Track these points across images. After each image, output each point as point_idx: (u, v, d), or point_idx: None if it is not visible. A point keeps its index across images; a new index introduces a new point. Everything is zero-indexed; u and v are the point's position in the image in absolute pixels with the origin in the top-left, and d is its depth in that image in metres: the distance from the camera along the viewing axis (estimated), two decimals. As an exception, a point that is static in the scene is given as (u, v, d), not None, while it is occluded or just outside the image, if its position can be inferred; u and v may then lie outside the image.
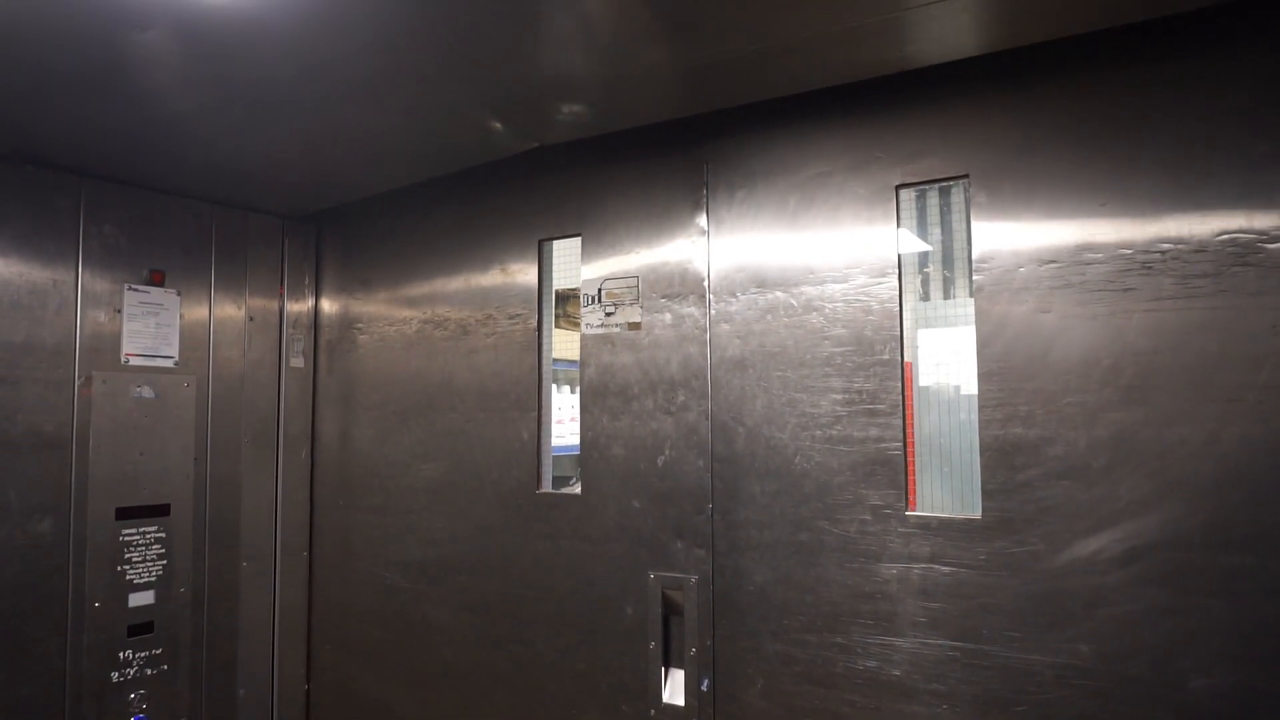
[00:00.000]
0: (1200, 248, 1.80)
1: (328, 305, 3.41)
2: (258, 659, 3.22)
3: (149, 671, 2.89)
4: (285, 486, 3.31)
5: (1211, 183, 1.79)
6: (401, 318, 3.14)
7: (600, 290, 2.63)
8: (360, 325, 3.28)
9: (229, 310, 3.17)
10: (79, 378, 2.74)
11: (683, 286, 2.50)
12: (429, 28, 1.87)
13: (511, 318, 2.84)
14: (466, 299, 2.96)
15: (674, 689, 2.43)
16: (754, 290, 2.37)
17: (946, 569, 2.04)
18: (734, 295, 2.40)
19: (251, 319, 3.23)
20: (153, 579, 2.90)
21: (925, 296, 2.28)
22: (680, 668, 2.43)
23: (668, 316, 2.51)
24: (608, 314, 2.61)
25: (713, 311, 2.44)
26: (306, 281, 3.42)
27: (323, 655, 3.31)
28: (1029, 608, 1.93)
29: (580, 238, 2.70)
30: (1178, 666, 1.77)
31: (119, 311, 2.85)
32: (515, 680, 2.74)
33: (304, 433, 3.38)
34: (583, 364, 2.66)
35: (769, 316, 2.34)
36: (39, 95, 2.18)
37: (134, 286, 2.89)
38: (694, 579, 2.39)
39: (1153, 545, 1.81)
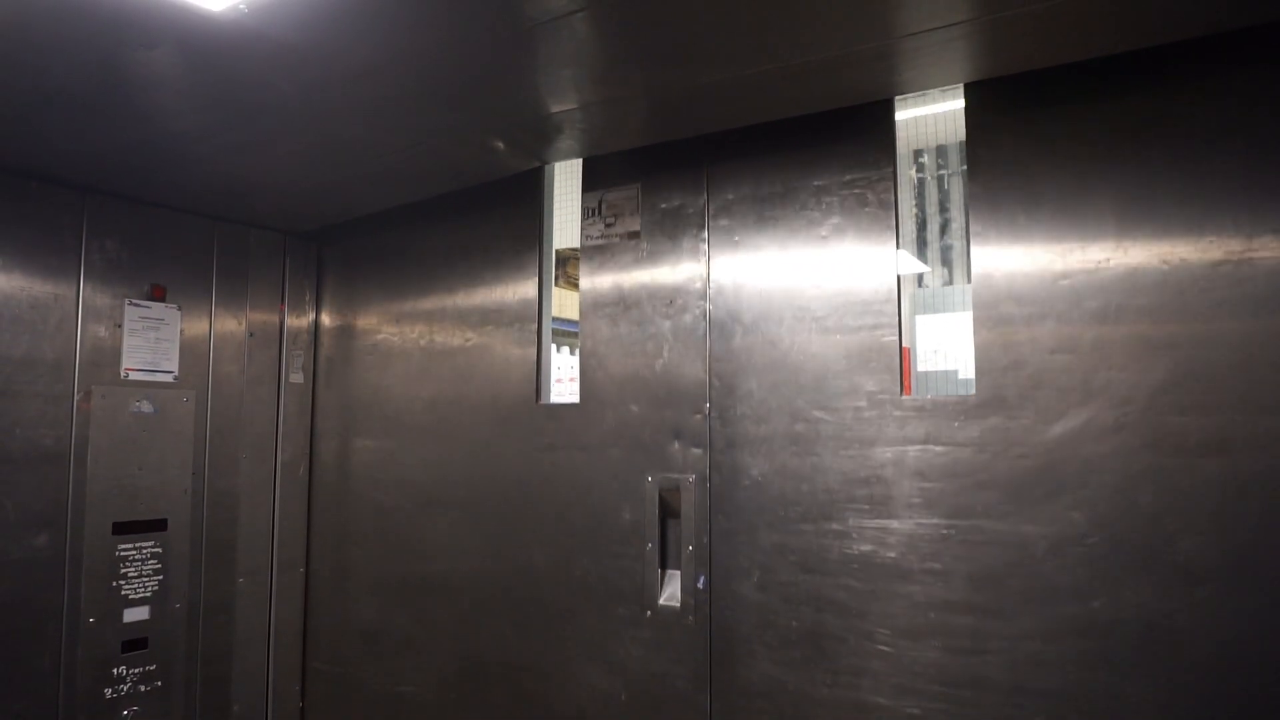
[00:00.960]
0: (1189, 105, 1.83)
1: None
2: (252, 675, 3.21)
3: (143, 688, 2.88)
4: (282, 502, 3.31)
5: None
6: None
7: (601, 202, 2.66)
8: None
9: (229, 325, 3.18)
10: (78, 392, 2.75)
11: (681, 190, 2.51)
12: (431, 49, 1.89)
13: (513, 241, 2.87)
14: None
15: (670, 589, 2.44)
16: (750, 187, 2.39)
17: (941, 449, 2.06)
18: (731, 193, 2.43)
19: (252, 334, 3.25)
20: (148, 594, 2.90)
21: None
22: (676, 569, 2.44)
23: (666, 221, 2.54)
24: (608, 225, 2.63)
25: (711, 209, 2.46)
26: (307, 297, 3.44)
27: (319, 590, 3.32)
28: (1023, 481, 1.95)
29: (580, 160, 2.74)
30: (1169, 528, 1.79)
31: (119, 326, 2.86)
32: (513, 590, 2.76)
33: (302, 449, 3.38)
34: (583, 275, 2.69)
35: (767, 211, 2.36)
36: (44, 112, 2.20)
37: (135, 301, 2.90)
38: (691, 478, 2.41)
39: (1143, 410, 1.83)
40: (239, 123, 2.29)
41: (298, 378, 3.38)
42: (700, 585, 2.37)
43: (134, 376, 2.89)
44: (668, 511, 2.46)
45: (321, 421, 3.38)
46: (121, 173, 2.66)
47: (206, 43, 1.82)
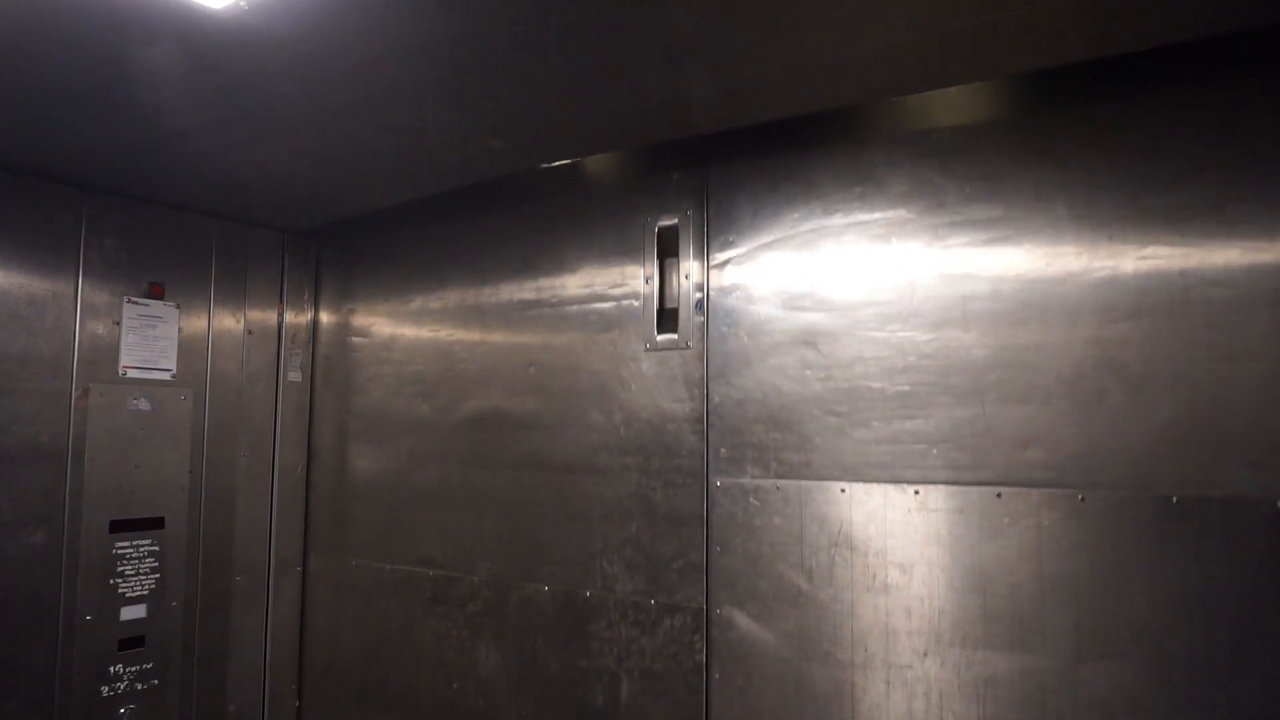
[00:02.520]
0: None
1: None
2: (249, 674, 3.20)
3: (139, 686, 2.87)
4: (280, 500, 3.31)
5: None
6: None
7: None
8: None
9: (227, 323, 3.18)
10: (76, 389, 2.75)
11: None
12: (430, 47, 1.89)
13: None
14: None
15: (667, 321, 2.50)
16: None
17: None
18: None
19: (250, 332, 3.24)
20: (145, 592, 2.89)
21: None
22: (675, 304, 2.49)
23: None
24: None
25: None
26: (306, 296, 3.44)
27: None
28: None
29: None
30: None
31: (117, 323, 2.86)
32: (519, 345, 2.82)
33: (300, 447, 3.37)
34: None
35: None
36: (44, 109, 2.20)
37: (133, 299, 2.90)
38: (689, 212, 2.47)
39: None
40: (239, 119, 2.29)
41: (296, 376, 3.38)
42: (696, 309, 2.43)
43: (132, 374, 2.89)
44: (666, 250, 2.51)
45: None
46: (121, 170, 2.66)
47: (207, 39, 1.82)
